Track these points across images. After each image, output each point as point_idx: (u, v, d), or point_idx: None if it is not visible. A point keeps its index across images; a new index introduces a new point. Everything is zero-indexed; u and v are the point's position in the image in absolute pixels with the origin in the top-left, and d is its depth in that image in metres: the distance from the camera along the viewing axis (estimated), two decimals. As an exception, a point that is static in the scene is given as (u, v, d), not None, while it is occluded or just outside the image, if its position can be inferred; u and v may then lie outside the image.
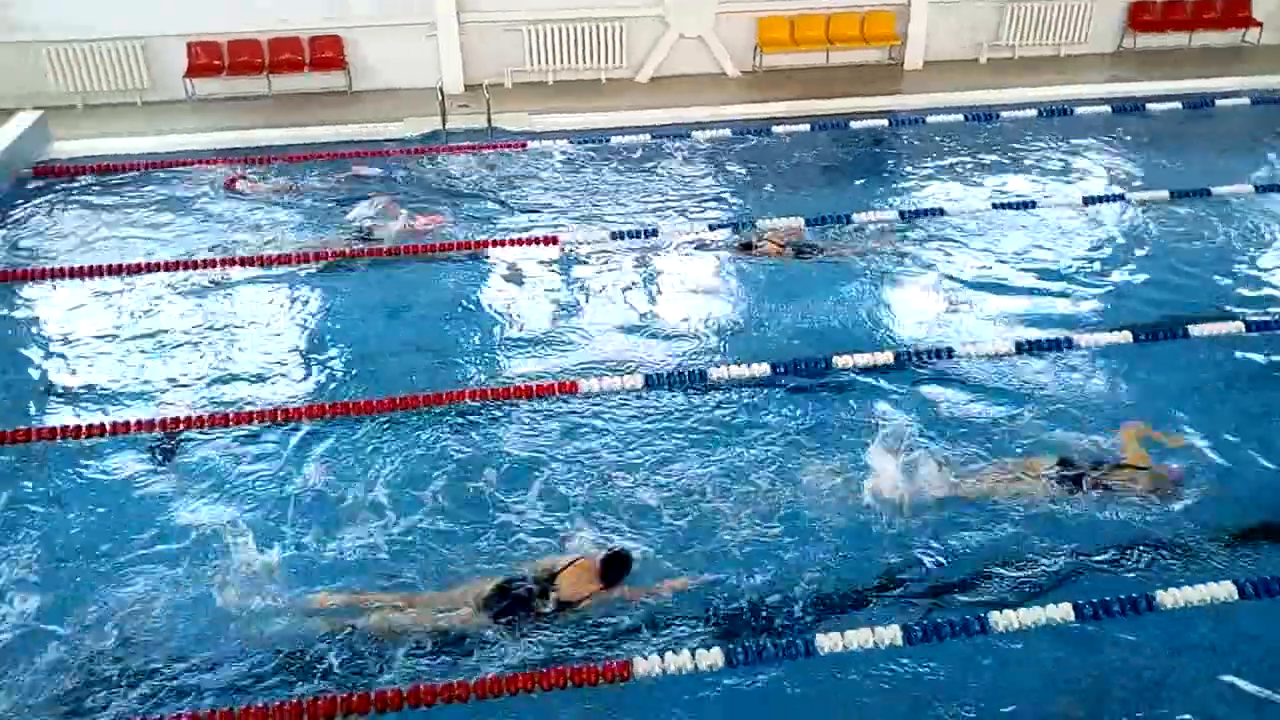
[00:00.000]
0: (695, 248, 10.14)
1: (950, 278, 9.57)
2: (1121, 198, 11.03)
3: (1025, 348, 8.29)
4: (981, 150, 12.44)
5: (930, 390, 7.88)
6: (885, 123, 13.17)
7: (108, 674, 5.57)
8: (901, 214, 10.68)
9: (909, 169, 12.20)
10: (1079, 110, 13.35)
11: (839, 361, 8.05)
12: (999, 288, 9.42)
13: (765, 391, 7.85)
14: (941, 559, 6.26)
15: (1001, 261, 9.84)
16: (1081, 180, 11.68)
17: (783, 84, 14.72)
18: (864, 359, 8.09)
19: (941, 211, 10.76)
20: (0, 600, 6.02)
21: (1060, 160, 12.19)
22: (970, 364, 8.16)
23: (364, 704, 5.31)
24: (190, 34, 13.67)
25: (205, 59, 13.74)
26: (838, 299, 9.17)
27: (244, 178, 11.44)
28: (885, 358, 8.13)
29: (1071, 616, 5.78)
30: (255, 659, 5.66)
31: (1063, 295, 9.30)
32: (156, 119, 13.40)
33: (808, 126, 12.95)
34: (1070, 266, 9.77)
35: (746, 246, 9.99)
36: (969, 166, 12.02)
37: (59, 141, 12.40)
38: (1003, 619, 5.74)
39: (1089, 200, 10.97)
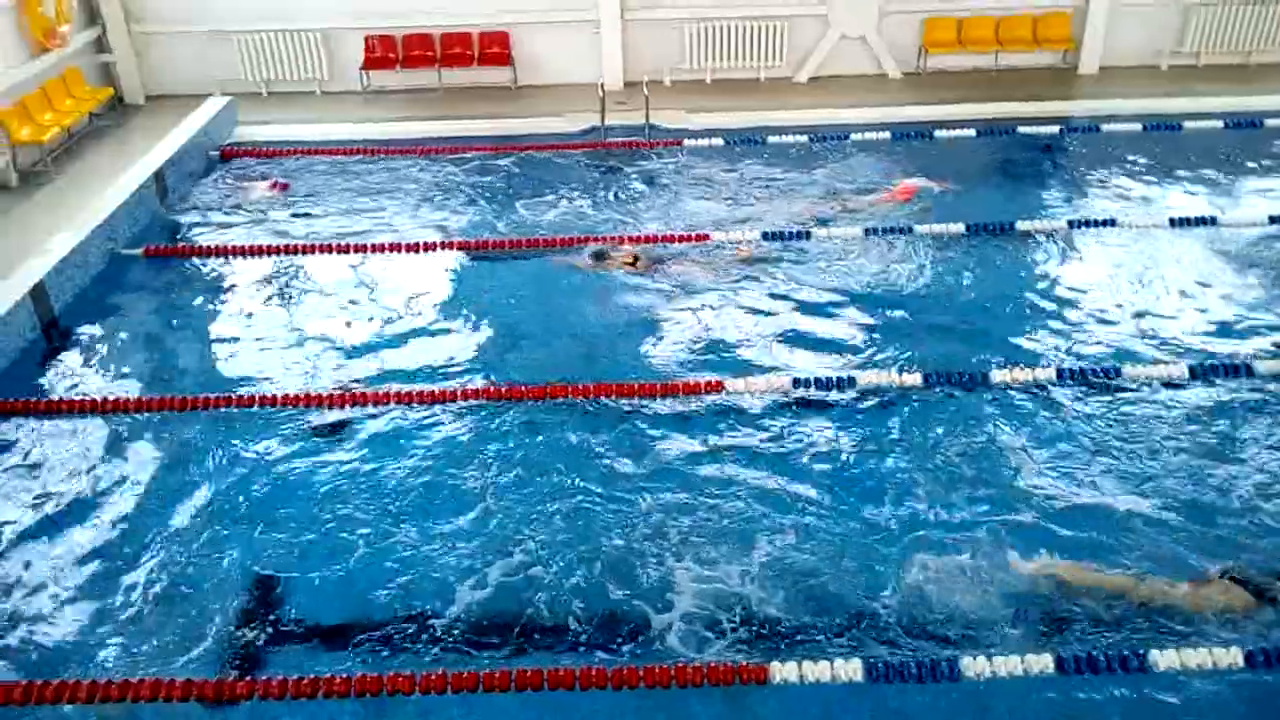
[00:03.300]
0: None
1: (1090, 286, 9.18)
2: (1313, 217, 10.32)
3: (1199, 373, 7.88)
4: (1160, 162, 11.78)
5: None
6: (1056, 129, 12.66)
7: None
8: (1070, 224, 10.28)
9: (1080, 178, 11.68)
10: (1270, 122, 12.50)
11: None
12: (1171, 307, 8.96)
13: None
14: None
15: (1173, 281, 9.34)
16: (1268, 197, 10.95)
17: (947, 86, 14.35)
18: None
19: (1112, 223, 10.30)
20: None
21: (1246, 176, 11.46)
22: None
23: (505, 680, 5.49)
24: (368, 28, 14.30)
25: (381, 52, 14.35)
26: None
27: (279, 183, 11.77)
28: None
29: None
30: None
31: (1239, 319, 8.76)
32: (333, 108, 14.10)
33: (973, 131, 12.58)
34: (1251, 288, 9.20)
35: (599, 256, 9.87)
36: (1145, 178, 11.43)
37: (243, 126, 13.18)
38: None
39: (1276, 219, 10.28)
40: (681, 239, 10.18)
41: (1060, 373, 7.87)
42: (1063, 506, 6.63)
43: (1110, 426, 7.38)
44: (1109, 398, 7.67)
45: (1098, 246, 10.00)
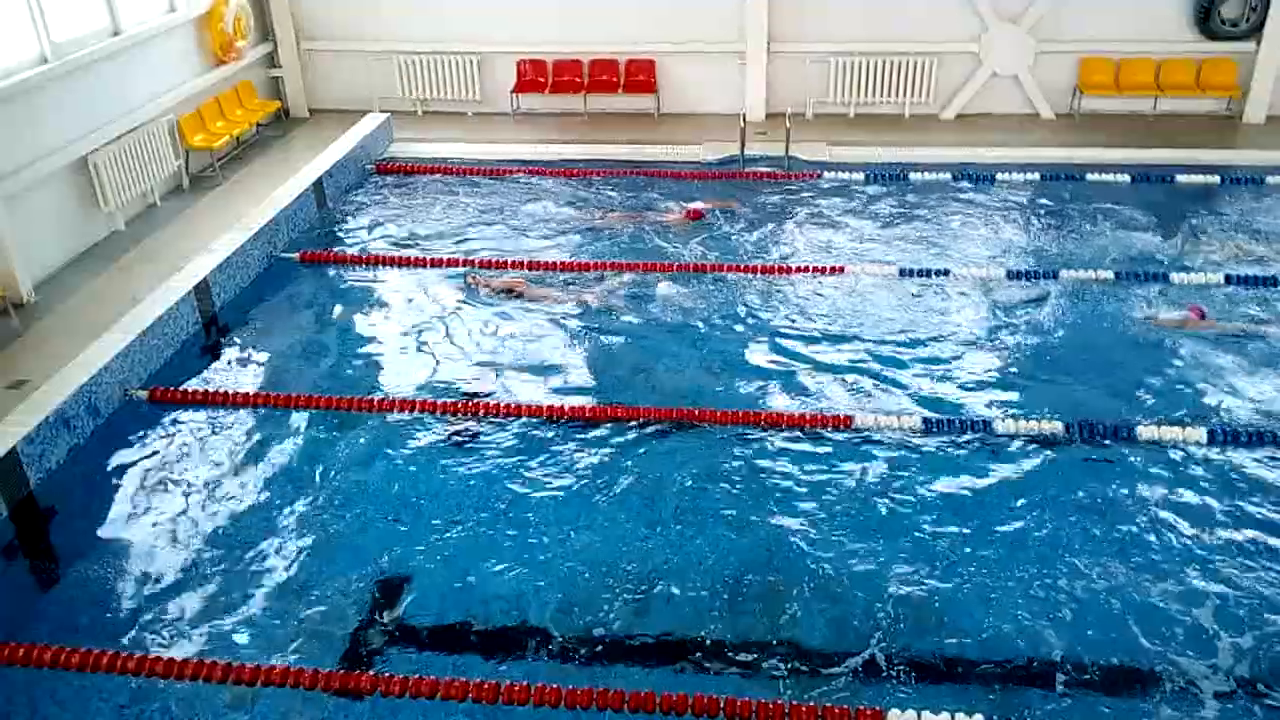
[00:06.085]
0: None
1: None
2: None
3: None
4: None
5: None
6: (1216, 179, 12.12)
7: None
8: (1227, 278, 9.81)
9: (1239, 231, 11.13)
10: None
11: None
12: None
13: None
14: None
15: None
16: None
17: (1101, 130, 13.90)
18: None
19: (1274, 281, 9.79)
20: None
21: None
22: None
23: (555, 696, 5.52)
24: (521, 52, 14.74)
25: (532, 76, 14.75)
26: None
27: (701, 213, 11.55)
28: None
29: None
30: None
31: None
32: (483, 129, 14.55)
33: (1127, 177, 12.15)
34: None
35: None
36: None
37: (398, 142, 13.74)
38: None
39: None
40: (816, 270, 10.15)
41: (1212, 434, 7.52)
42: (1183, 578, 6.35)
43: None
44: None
45: (1258, 304, 9.51)
